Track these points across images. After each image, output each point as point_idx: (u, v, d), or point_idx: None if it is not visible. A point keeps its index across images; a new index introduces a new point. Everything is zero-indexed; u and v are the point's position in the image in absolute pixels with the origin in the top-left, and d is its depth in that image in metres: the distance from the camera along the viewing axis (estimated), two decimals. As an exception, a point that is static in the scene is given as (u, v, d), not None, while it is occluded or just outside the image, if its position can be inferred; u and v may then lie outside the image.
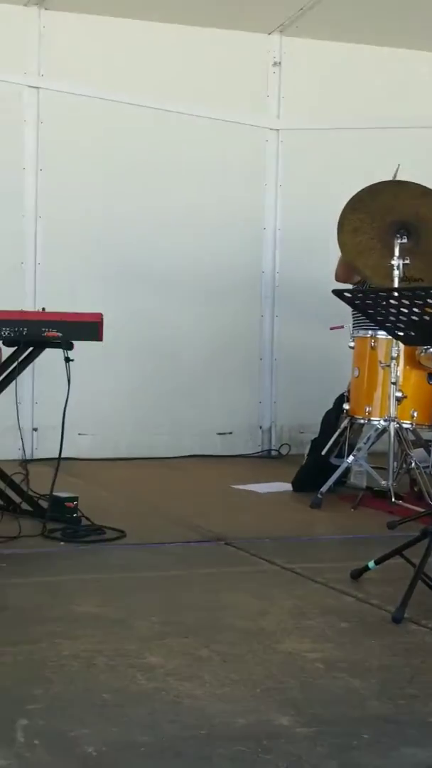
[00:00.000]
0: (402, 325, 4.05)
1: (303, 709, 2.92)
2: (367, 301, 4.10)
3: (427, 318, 3.89)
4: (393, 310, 3.97)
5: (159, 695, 3.00)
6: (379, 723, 2.82)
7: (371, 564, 4.27)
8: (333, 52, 7.95)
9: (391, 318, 4.02)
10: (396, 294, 3.97)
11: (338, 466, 6.06)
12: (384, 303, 3.97)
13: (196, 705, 2.94)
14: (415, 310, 3.88)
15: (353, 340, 6.23)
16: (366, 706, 2.96)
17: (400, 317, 3.98)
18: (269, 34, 7.83)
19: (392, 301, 3.94)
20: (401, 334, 4.14)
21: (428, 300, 3.80)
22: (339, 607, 3.99)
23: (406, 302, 3.88)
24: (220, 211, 7.75)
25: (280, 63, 7.88)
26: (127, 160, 7.56)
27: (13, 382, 5.18)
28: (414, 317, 3.93)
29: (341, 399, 6.37)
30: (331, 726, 2.81)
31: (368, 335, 6.15)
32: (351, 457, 6.03)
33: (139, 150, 7.57)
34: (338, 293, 4.12)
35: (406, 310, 3.91)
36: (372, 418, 6.12)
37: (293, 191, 7.92)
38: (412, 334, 4.11)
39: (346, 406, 6.24)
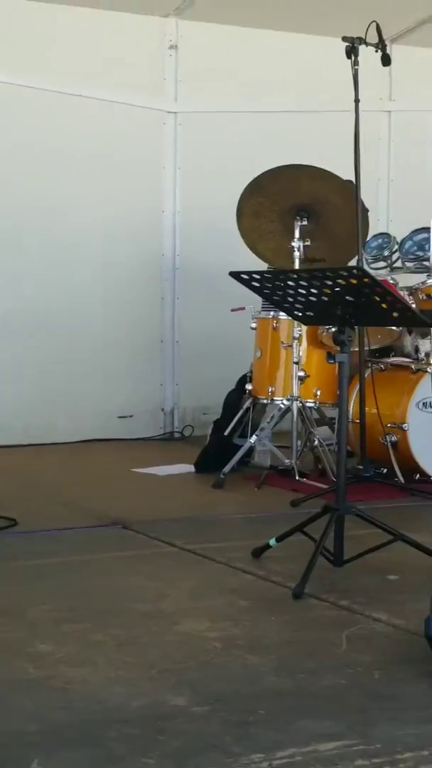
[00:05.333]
0: (300, 306, 4.22)
1: (200, 689, 2.97)
2: (265, 283, 4.21)
3: (324, 298, 4.06)
4: (291, 291, 4.13)
5: (48, 683, 3.00)
6: (276, 698, 2.93)
7: (272, 541, 4.37)
8: (231, 35, 7.97)
9: (289, 299, 4.19)
10: (293, 275, 4.13)
11: (241, 447, 6.17)
12: (281, 284, 4.13)
13: (87, 690, 2.95)
14: (313, 291, 4.05)
15: (255, 321, 6.38)
16: (264, 681, 3.07)
17: (298, 298, 4.15)
18: (165, 17, 7.85)
19: (289, 282, 4.10)
20: (299, 314, 4.32)
21: (326, 281, 3.97)
22: (239, 585, 4.06)
23: (304, 283, 4.05)
24: (118, 194, 7.83)
25: (176, 46, 7.88)
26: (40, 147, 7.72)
27: None
28: (312, 297, 4.10)
29: (244, 380, 6.53)
30: (227, 703, 2.87)
31: (270, 316, 6.31)
32: (254, 437, 6.17)
33: (43, 133, 7.70)
34: (235, 275, 4.18)
35: (303, 291, 4.08)
36: (275, 398, 6.30)
37: (193, 175, 7.96)
38: (310, 314, 4.28)
39: (248, 387, 6.40)
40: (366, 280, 4.03)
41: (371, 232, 7.09)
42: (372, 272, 6.81)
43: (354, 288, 4.04)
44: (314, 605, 3.81)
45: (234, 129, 8.07)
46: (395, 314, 4.19)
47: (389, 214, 8.47)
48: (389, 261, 7.01)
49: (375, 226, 7.64)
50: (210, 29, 7.98)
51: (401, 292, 6.35)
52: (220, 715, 2.80)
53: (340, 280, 4.01)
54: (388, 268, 7.01)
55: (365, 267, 6.84)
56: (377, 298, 4.08)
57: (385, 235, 7.18)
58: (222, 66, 8.02)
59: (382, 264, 7.04)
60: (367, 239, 7.01)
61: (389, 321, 4.67)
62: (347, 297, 4.08)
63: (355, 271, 4.08)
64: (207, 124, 8.05)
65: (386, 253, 7.00)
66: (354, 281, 4.02)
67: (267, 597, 3.94)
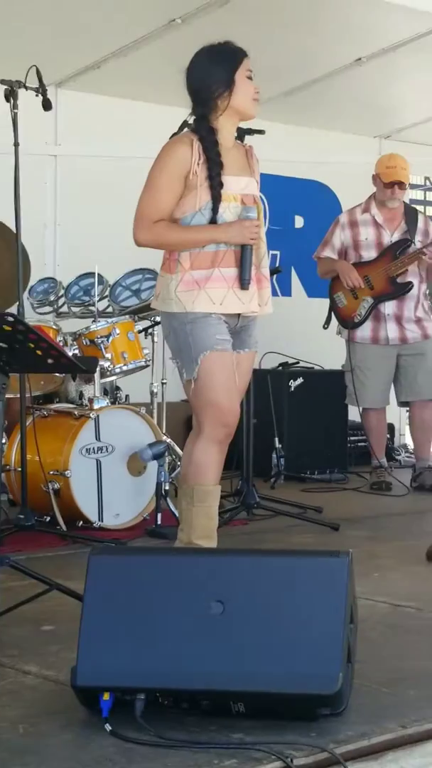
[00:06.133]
0: None
1: None
2: None
3: None
4: None
5: None
6: None
7: None
8: None
9: None
10: None
11: None
12: None
13: None
14: None
15: None
16: None
17: None
18: None
19: None
20: None
21: None
22: None
23: None
24: None
25: None
26: None
27: None
28: None
29: None
30: None
31: None
32: None
33: None
34: None
35: None
36: None
37: None
38: None
39: None
40: (20, 327, 4.00)
41: (38, 276, 7.08)
42: (36, 317, 6.81)
43: (7, 334, 3.98)
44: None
45: None
46: (50, 361, 4.17)
47: (56, 258, 8.42)
48: (55, 306, 7.02)
49: (42, 271, 7.63)
50: None
51: (63, 338, 6.36)
52: None
53: (-8, 326, 3.95)
54: (54, 313, 7.02)
55: (31, 311, 6.82)
56: (32, 345, 4.04)
57: (51, 280, 7.18)
58: None
59: (48, 308, 7.04)
60: (33, 284, 7.00)
61: (45, 367, 4.62)
62: (0, 344, 4.02)
63: (7, 317, 4.02)
64: None
65: (52, 297, 7.01)
66: (7, 328, 3.97)
67: None
